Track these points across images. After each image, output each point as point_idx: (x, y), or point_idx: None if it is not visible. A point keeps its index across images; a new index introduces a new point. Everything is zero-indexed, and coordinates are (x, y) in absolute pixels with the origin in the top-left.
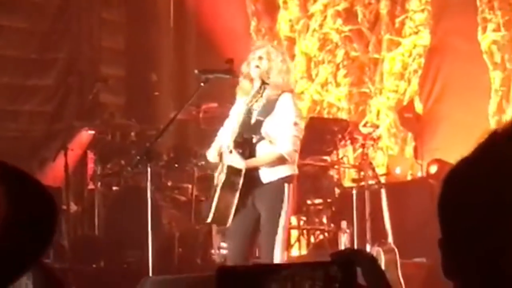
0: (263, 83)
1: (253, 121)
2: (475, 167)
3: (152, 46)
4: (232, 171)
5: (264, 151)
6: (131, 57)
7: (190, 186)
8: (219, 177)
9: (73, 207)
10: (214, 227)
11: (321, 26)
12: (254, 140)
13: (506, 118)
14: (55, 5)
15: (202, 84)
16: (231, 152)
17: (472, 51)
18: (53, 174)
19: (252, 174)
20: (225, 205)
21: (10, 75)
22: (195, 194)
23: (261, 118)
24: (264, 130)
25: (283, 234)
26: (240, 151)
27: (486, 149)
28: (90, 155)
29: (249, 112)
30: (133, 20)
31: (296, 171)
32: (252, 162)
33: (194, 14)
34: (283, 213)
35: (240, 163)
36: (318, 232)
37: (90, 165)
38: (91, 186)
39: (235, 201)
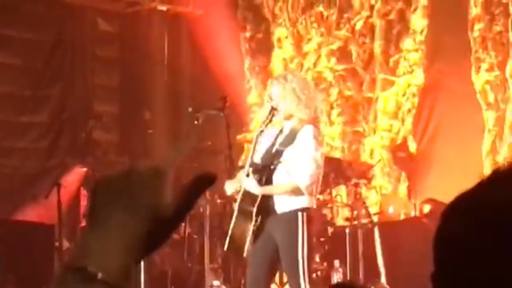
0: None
1: (274, 150)
2: (475, 204)
3: (146, 83)
4: (247, 199)
5: (280, 180)
6: (125, 94)
7: (182, 224)
8: (235, 205)
9: (66, 244)
10: (207, 265)
11: (315, 65)
12: (272, 167)
13: (499, 157)
14: (48, 42)
15: (196, 122)
16: (248, 175)
17: (466, 91)
18: (46, 211)
19: (267, 204)
20: (240, 233)
21: (4, 112)
22: (188, 232)
23: (282, 148)
24: (283, 159)
25: (302, 266)
26: (258, 177)
27: (488, 186)
28: (83, 192)
29: (273, 142)
30: (127, 57)
31: (314, 204)
32: (267, 189)
33: (188, 51)
34: (299, 245)
35: (256, 188)
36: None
37: (83, 202)
38: (84, 223)
39: (251, 229)
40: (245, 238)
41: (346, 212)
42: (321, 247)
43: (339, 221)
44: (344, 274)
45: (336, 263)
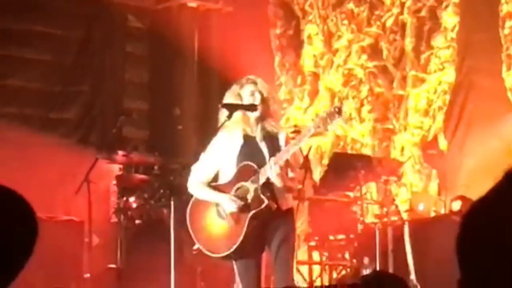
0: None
1: (265, 153)
2: (492, 208)
3: (175, 80)
4: (270, 198)
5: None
6: (155, 91)
7: None
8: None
9: (96, 240)
10: None
11: (345, 61)
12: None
13: None
14: (78, 39)
15: (226, 118)
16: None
17: (497, 88)
18: (75, 207)
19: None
20: (251, 238)
21: (34, 107)
22: None
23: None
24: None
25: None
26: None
27: (503, 190)
28: (113, 189)
29: (252, 145)
30: (156, 54)
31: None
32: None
33: (218, 48)
34: (295, 242)
35: (278, 180)
36: (340, 267)
37: (113, 199)
38: (113, 219)
39: (259, 234)
40: (253, 240)
41: (375, 209)
42: (350, 244)
43: (369, 218)
44: (374, 271)
45: (366, 260)
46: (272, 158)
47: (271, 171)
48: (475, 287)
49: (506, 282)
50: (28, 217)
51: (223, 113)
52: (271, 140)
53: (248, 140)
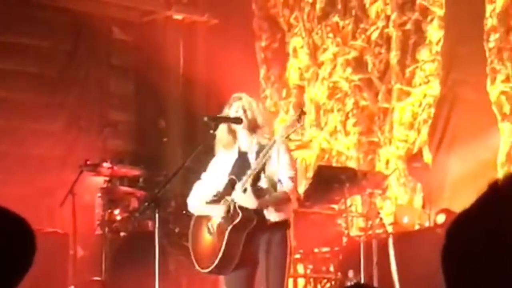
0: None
1: (253, 166)
2: (476, 220)
3: (161, 92)
4: (246, 214)
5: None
6: (140, 103)
7: None
8: (213, 222)
9: (80, 252)
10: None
11: (330, 74)
12: (260, 183)
13: None
14: (63, 51)
15: (211, 131)
16: (245, 191)
17: (482, 101)
18: (60, 219)
19: (258, 214)
20: (233, 248)
21: (19, 119)
22: None
23: (261, 161)
24: (265, 175)
25: (286, 279)
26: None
27: (487, 202)
28: (98, 201)
29: (244, 159)
30: (142, 66)
31: (292, 215)
32: (263, 201)
33: (203, 60)
34: (287, 258)
35: (253, 202)
36: (325, 280)
37: (98, 211)
38: (98, 232)
39: (242, 243)
40: (236, 253)
41: (360, 222)
42: (335, 257)
43: (354, 231)
44: (355, 283)
45: (350, 273)
46: (237, 185)
47: (236, 192)
48: None
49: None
50: (28, 237)
51: (222, 130)
52: (260, 152)
53: (241, 156)
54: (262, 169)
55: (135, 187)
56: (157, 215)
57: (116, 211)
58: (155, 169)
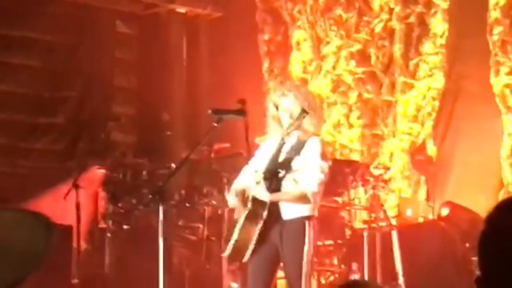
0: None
1: (281, 159)
2: None
3: (164, 85)
4: (257, 204)
5: (288, 188)
6: (143, 96)
7: (201, 225)
8: (240, 212)
9: (84, 246)
10: (225, 267)
11: (334, 67)
12: (281, 175)
13: None
14: (67, 44)
15: (215, 124)
16: (258, 183)
17: (485, 94)
18: (64, 212)
19: (273, 210)
20: (245, 239)
21: (22, 113)
22: (206, 234)
23: (290, 157)
24: (291, 168)
25: (306, 274)
26: (267, 183)
27: None
28: (102, 194)
29: (278, 151)
30: (145, 59)
31: (316, 213)
32: (276, 196)
33: (207, 54)
34: (305, 253)
35: (265, 195)
36: (328, 273)
37: (102, 204)
38: (102, 225)
39: (256, 236)
40: (249, 243)
41: (364, 215)
42: (339, 249)
43: (357, 224)
44: (362, 277)
45: (354, 266)
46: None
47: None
48: (495, 284)
49: None
50: (52, 233)
51: (269, 124)
52: (297, 146)
53: (280, 145)
54: (289, 164)
55: (139, 180)
56: (161, 208)
57: (120, 204)
58: (158, 162)
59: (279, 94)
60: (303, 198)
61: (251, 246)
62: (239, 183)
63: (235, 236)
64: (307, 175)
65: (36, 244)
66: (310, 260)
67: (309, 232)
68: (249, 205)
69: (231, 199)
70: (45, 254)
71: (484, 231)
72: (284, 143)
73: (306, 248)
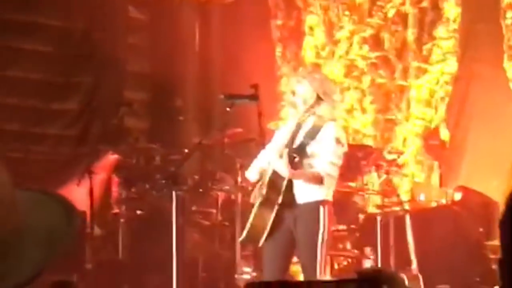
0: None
1: (296, 144)
2: None
3: (177, 71)
4: (272, 190)
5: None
6: (156, 82)
7: (214, 210)
8: (257, 195)
9: (97, 231)
10: (238, 252)
11: (347, 52)
12: (296, 160)
13: None
14: (80, 30)
15: (227, 109)
16: (281, 156)
17: (498, 78)
18: (77, 197)
19: (290, 193)
20: (261, 223)
21: (35, 98)
22: (219, 219)
23: (306, 142)
24: (306, 153)
25: (321, 258)
26: (290, 160)
27: None
28: (115, 179)
29: (293, 136)
30: (158, 45)
31: (331, 198)
32: (295, 173)
33: (219, 39)
34: (320, 236)
35: (285, 170)
36: (341, 258)
37: (115, 189)
38: (115, 210)
39: (272, 219)
40: (264, 227)
41: (377, 200)
42: (352, 234)
43: (371, 209)
44: (375, 261)
45: (367, 250)
46: (276, 149)
47: (275, 163)
48: None
49: None
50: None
51: (288, 108)
52: (312, 131)
53: (296, 129)
54: (304, 149)
55: (152, 165)
56: (174, 193)
57: (133, 189)
58: (171, 147)
59: (295, 81)
60: (318, 180)
61: (266, 231)
62: (258, 163)
63: (251, 219)
64: (324, 159)
65: (59, 224)
66: (325, 244)
67: (324, 216)
68: (264, 190)
69: (253, 175)
70: (70, 234)
71: (505, 214)
72: (299, 128)
73: (320, 232)
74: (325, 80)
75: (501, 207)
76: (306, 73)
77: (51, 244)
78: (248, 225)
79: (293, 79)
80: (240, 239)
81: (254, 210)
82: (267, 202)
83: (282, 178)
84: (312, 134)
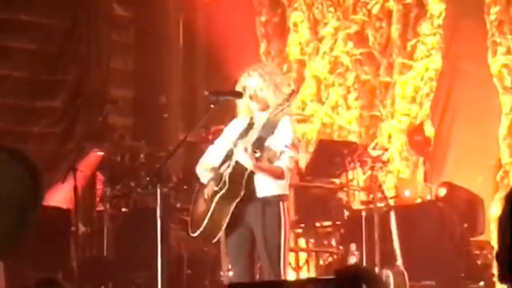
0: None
1: (253, 138)
2: None
3: (161, 68)
4: (234, 181)
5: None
6: (140, 79)
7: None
8: (209, 189)
9: (82, 228)
10: (223, 249)
11: (331, 49)
12: (257, 155)
13: None
14: (64, 27)
15: (212, 106)
16: (246, 150)
17: (483, 74)
18: (62, 195)
19: (249, 188)
20: (219, 217)
21: (19, 97)
22: None
23: (263, 136)
24: (264, 147)
25: (284, 252)
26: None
27: None
28: (100, 177)
29: (248, 130)
30: (142, 42)
31: (288, 192)
32: (260, 166)
33: (203, 35)
34: (282, 232)
35: (250, 162)
36: (327, 254)
37: (99, 187)
38: (100, 208)
39: (229, 213)
40: (223, 222)
41: (362, 196)
42: (337, 230)
43: (355, 205)
44: (360, 257)
45: (352, 246)
46: (240, 142)
47: (240, 155)
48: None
49: None
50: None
51: (240, 101)
52: (268, 125)
53: (250, 126)
54: (262, 144)
55: (136, 162)
56: (158, 191)
57: (118, 187)
58: (156, 145)
59: (246, 75)
60: (280, 174)
61: (223, 225)
62: (210, 160)
63: (209, 214)
64: (283, 154)
65: (25, 191)
66: (287, 241)
67: (284, 212)
68: (225, 184)
69: (205, 175)
70: (38, 201)
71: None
72: (253, 123)
73: (282, 228)
74: (275, 72)
75: (486, 202)
76: (257, 66)
77: (21, 212)
78: (206, 219)
79: (244, 74)
80: (195, 234)
81: (213, 203)
82: (227, 196)
83: (243, 172)
84: (269, 129)
